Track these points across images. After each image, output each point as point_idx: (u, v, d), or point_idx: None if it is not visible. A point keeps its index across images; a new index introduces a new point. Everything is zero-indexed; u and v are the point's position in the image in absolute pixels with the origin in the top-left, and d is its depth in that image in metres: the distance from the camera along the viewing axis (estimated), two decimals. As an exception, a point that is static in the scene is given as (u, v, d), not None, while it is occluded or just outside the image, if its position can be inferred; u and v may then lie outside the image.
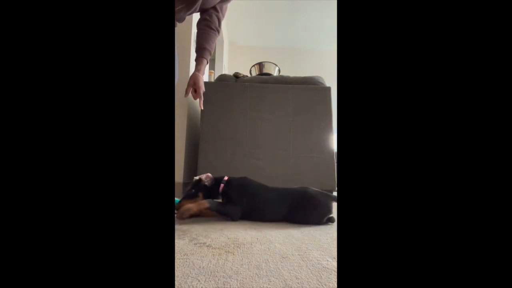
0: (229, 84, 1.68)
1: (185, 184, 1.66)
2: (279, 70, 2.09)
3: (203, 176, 0.95)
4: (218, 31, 1.06)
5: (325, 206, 0.83)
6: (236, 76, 1.80)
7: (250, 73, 2.14)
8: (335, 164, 1.62)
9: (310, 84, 1.71)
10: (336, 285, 0.37)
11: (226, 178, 0.96)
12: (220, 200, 0.93)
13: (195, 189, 0.94)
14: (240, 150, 1.58)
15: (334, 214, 0.96)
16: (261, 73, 2.03)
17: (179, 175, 1.61)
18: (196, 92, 1.04)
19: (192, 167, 1.78)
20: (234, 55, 3.78)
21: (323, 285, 0.36)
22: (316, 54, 3.96)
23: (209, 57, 1.05)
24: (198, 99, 1.06)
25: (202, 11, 1.03)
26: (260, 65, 2.06)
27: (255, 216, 0.88)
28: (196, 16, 1.12)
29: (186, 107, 1.67)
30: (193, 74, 1.04)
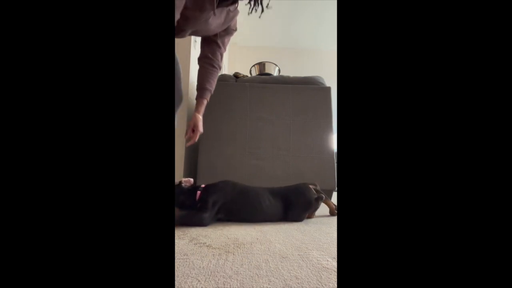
0: (229, 84, 1.68)
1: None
2: (279, 70, 2.09)
3: (184, 179, 0.90)
4: (220, 68, 1.06)
5: (309, 200, 0.88)
6: (236, 76, 1.80)
7: (250, 73, 2.13)
8: (335, 164, 1.62)
9: (310, 84, 1.71)
10: (336, 285, 0.37)
11: (203, 186, 0.91)
12: (185, 211, 0.86)
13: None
14: (240, 150, 1.58)
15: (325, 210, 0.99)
16: (261, 73, 2.03)
17: (179, 176, 1.60)
18: (193, 132, 1.05)
19: (192, 167, 1.78)
20: (234, 55, 3.78)
21: (323, 285, 0.36)
22: (316, 54, 3.96)
23: (209, 97, 1.06)
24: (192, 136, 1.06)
25: (204, 39, 1.02)
26: (260, 65, 2.06)
27: (247, 217, 0.86)
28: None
29: (186, 107, 1.67)
30: (194, 116, 1.05)
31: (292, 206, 0.87)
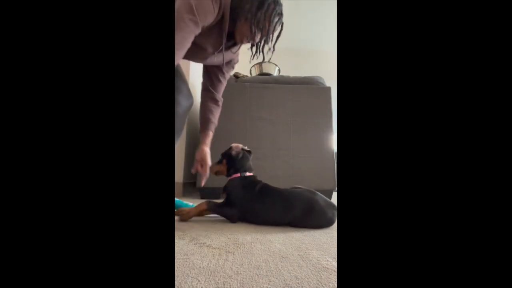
0: (229, 84, 1.68)
1: (185, 184, 1.66)
2: (279, 70, 2.09)
3: (234, 145, 0.97)
4: (221, 101, 1.07)
5: (330, 220, 0.81)
6: (236, 76, 1.80)
7: (250, 73, 2.14)
8: (335, 164, 1.62)
9: (310, 84, 1.71)
10: (336, 285, 0.37)
11: (248, 174, 0.94)
12: (219, 200, 0.92)
13: (223, 155, 0.97)
14: (240, 150, 1.58)
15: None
16: (261, 73, 2.03)
17: (179, 175, 1.60)
18: (202, 167, 1.00)
19: (192, 167, 1.77)
20: (234, 55, 3.77)
21: (323, 285, 0.36)
22: (316, 54, 3.96)
23: (214, 129, 1.06)
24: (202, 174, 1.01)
25: (206, 68, 1.03)
26: (260, 65, 2.06)
27: (254, 220, 0.84)
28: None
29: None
30: (201, 149, 1.01)
31: (308, 224, 0.80)
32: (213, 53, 0.87)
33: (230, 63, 1.03)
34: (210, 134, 1.04)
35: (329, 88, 1.70)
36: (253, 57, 0.92)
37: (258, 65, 2.07)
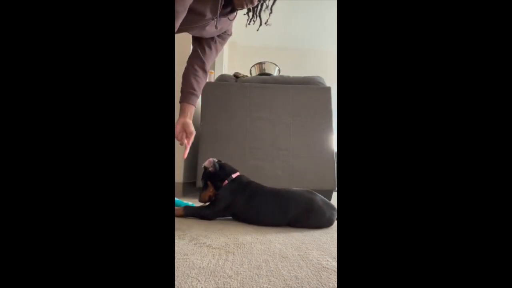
0: (229, 84, 1.68)
1: (185, 184, 1.66)
2: (279, 70, 2.09)
3: (206, 163, 0.93)
4: (208, 73, 1.01)
5: (328, 220, 0.81)
6: (236, 76, 1.80)
7: (250, 73, 2.13)
8: (335, 164, 1.62)
9: (310, 84, 1.71)
10: (336, 285, 0.37)
11: (235, 175, 0.92)
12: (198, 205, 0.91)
13: (204, 179, 0.93)
14: (240, 150, 1.58)
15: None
16: (261, 73, 2.02)
17: (179, 175, 1.60)
18: (188, 138, 0.97)
19: (192, 167, 1.77)
20: (234, 55, 3.77)
21: (323, 285, 0.36)
22: (316, 54, 3.96)
23: (196, 103, 0.99)
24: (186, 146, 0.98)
25: (197, 38, 0.99)
26: (260, 65, 2.06)
27: (251, 222, 0.83)
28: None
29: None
30: (180, 122, 0.94)
31: (307, 224, 0.80)
32: (213, 19, 0.84)
33: (225, 34, 1.00)
34: (192, 108, 0.96)
35: (329, 88, 1.69)
36: (250, 21, 0.88)
37: (258, 65, 2.07)
